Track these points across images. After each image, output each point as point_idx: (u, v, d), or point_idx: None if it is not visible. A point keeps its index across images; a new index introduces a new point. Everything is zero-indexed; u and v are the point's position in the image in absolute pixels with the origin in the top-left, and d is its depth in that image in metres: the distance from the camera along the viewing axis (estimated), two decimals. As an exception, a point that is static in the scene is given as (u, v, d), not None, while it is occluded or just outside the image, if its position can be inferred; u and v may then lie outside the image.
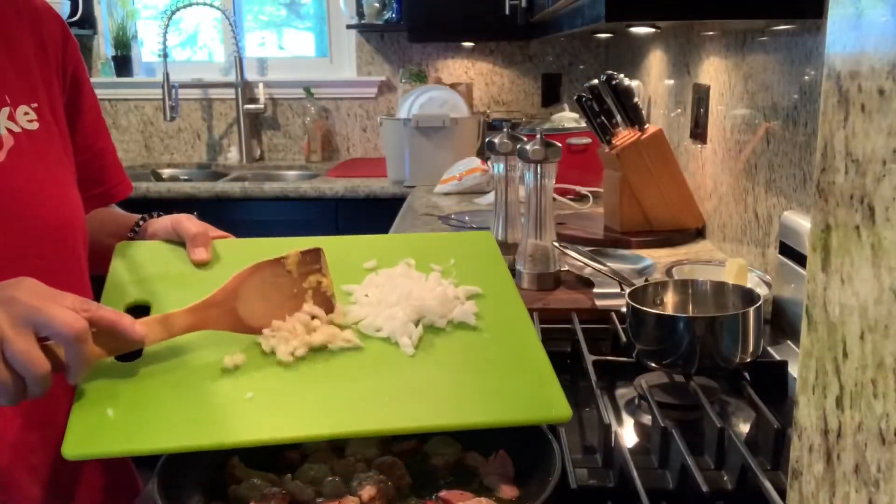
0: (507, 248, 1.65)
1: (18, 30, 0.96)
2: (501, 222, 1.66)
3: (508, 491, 0.78)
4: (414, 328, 0.84)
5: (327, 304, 0.86)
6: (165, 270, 0.95)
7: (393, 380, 0.79)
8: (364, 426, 0.74)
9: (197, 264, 0.95)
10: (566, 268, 1.56)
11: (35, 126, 0.93)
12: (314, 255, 0.87)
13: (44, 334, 0.69)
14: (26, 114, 0.93)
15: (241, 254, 0.96)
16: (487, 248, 1.02)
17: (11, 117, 0.91)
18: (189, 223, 0.98)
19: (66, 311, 0.69)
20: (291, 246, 0.91)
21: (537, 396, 0.77)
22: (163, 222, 1.02)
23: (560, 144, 1.51)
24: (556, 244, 1.51)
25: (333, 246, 0.96)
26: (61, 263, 0.94)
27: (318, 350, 0.82)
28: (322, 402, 0.76)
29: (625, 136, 1.92)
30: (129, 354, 0.78)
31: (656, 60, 2.45)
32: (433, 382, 0.79)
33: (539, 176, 1.49)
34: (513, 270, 1.57)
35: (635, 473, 0.81)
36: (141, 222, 1.05)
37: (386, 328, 0.84)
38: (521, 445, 0.83)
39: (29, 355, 0.67)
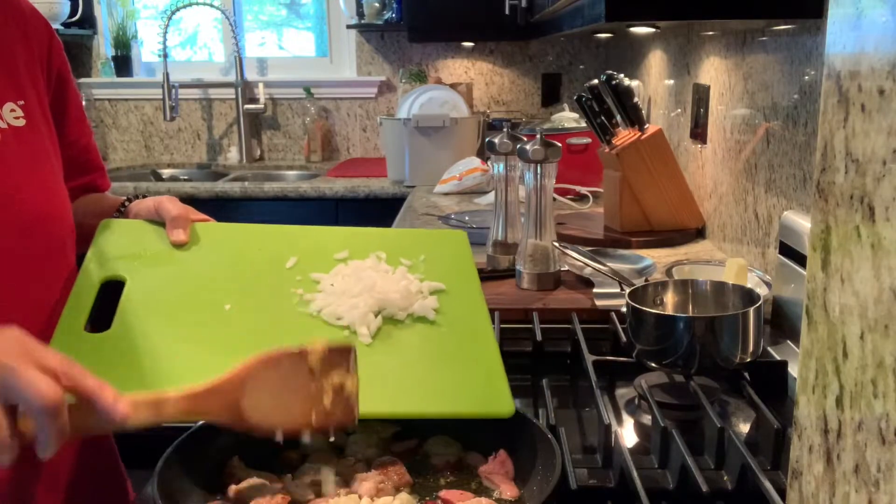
0: (507, 247, 1.65)
1: (5, 30, 0.97)
2: (501, 222, 1.66)
3: (508, 491, 0.78)
4: (373, 319, 0.87)
5: (347, 410, 0.75)
6: (143, 249, 0.97)
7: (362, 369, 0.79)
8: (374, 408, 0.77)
9: (175, 245, 0.97)
10: (566, 268, 1.56)
11: (22, 123, 0.95)
12: (343, 354, 0.75)
13: (13, 401, 0.63)
14: (13, 111, 0.94)
15: (221, 238, 1.00)
16: (459, 247, 1.05)
17: None
18: (170, 204, 1.00)
19: (42, 378, 0.63)
20: (273, 234, 0.95)
21: (483, 391, 0.80)
22: (146, 203, 1.03)
23: (560, 144, 1.51)
24: (556, 244, 1.51)
25: (311, 235, 1.00)
26: (48, 256, 0.96)
27: (291, 326, 0.85)
28: None
29: (625, 136, 1.92)
30: (99, 324, 0.76)
31: (656, 60, 2.45)
32: (384, 371, 0.82)
33: (539, 176, 1.49)
34: (513, 270, 1.57)
35: (635, 473, 0.81)
36: (126, 203, 1.07)
37: (346, 317, 0.87)
38: (521, 445, 0.83)
39: None
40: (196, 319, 0.86)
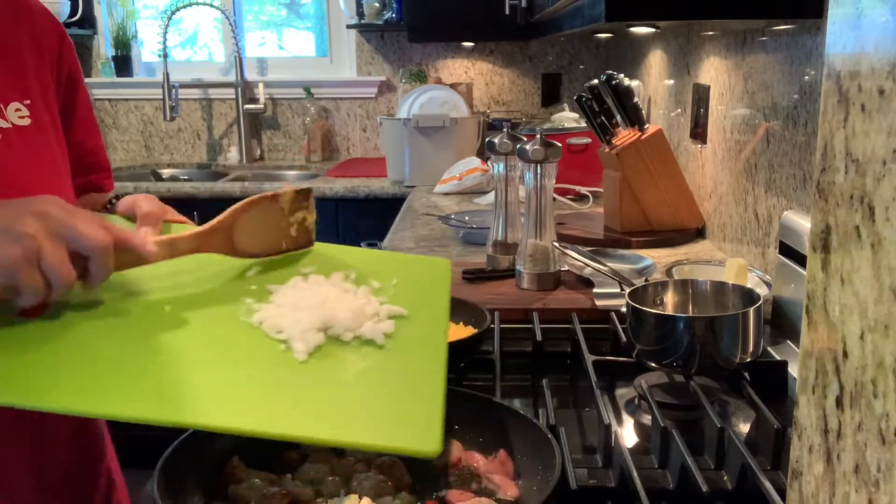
0: (507, 247, 1.65)
1: (14, 28, 0.97)
2: (501, 222, 1.66)
3: (508, 491, 0.78)
4: (314, 335, 0.82)
5: (307, 236, 0.96)
6: None
7: (272, 381, 0.76)
8: (217, 420, 0.70)
9: None
10: (566, 268, 1.56)
11: (26, 122, 0.95)
12: (305, 195, 0.96)
13: (74, 247, 0.74)
14: (17, 110, 0.94)
15: None
16: (439, 275, 1.00)
17: (1, 114, 0.93)
18: (144, 202, 0.99)
19: (94, 226, 0.75)
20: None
21: (413, 426, 0.73)
22: (126, 200, 1.03)
23: (560, 144, 1.51)
24: (556, 244, 1.51)
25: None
26: None
27: (224, 333, 0.82)
28: (190, 387, 0.73)
29: (625, 136, 1.92)
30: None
31: (656, 60, 2.45)
32: (314, 392, 0.76)
33: (539, 176, 1.49)
34: (513, 270, 1.57)
35: (635, 473, 0.81)
36: (114, 200, 1.07)
37: (287, 331, 0.82)
38: (522, 445, 0.83)
39: (62, 264, 0.72)
40: (131, 313, 0.84)
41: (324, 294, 0.88)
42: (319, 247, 1.02)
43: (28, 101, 0.96)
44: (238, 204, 0.90)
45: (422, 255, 1.05)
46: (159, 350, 0.77)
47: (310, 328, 0.82)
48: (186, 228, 0.99)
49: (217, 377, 0.75)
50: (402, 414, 0.74)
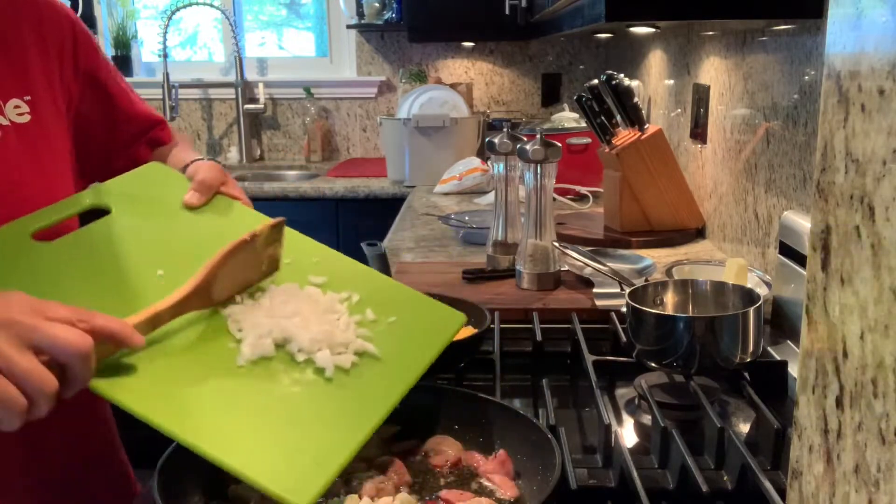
0: (507, 247, 1.65)
1: (14, 22, 0.97)
2: (501, 222, 1.67)
3: (508, 491, 0.78)
4: (265, 345, 0.79)
5: (275, 265, 0.90)
6: (149, 195, 0.98)
7: (198, 374, 0.76)
8: (123, 398, 0.70)
9: (185, 205, 0.97)
10: (566, 268, 1.56)
11: (26, 119, 0.94)
12: (279, 228, 0.90)
13: (48, 353, 0.66)
14: (17, 107, 0.94)
15: (226, 216, 0.98)
16: (443, 328, 0.93)
17: (0, 111, 0.92)
18: (203, 170, 0.99)
19: (68, 328, 0.67)
20: (287, 238, 0.93)
21: (291, 474, 0.68)
22: (192, 166, 1.03)
23: (560, 144, 1.51)
24: (557, 244, 1.51)
25: (321, 255, 0.97)
26: None
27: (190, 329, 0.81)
28: (126, 378, 0.73)
29: (625, 136, 1.92)
30: None
31: (656, 60, 2.45)
32: (224, 400, 0.74)
33: (539, 176, 1.49)
34: (513, 270, 1.57)
35: (635, 473, 0.81)
36: (190, 164, 1.06)
37: (245, 331, 0.80)
38: (522, 445, 0.83)
39: (38, 374, 0.65)
40: (126, 271, 0.86)
41: (302, 308, 0.84)
42: (347, 263, 0.98)
43: (28, 98, 0.95)
44: (215, 257, 0.83)
45: (442, 304, 0.97)
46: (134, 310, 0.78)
47: (265, 336, 0.79)
48: (234, 205, 1.00)
49: (151, 355, 0.75)
50: (290, 457, 0.70)
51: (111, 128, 1.12)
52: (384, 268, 1.42)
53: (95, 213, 0.94)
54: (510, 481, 0.80)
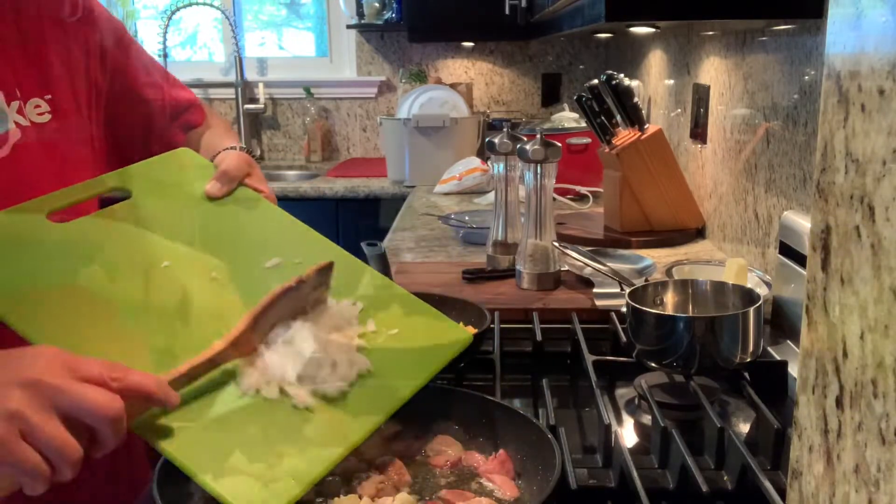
0: (507, 247, 1.65)
1: (35, 18, 0.95)
2: (501, 222, 1.67)
3: (508, 491, 0.78)
4: (292, 384, 0.77)
5: (321, 305, 0.85)
6: (171, 179, 0.97)
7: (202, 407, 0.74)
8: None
9: (206, 194, 0.96)
10: (566, 268, 1.56)
11: (46, 118, 0.93)
12: (326, 273, 0.85)
13: (74, 416, 0.63)
14: (37, 107, 0.93)
15: (250, 209, 0.97)
16: (447, 344, 0.91)
17: (20, 111, 0.91)
18: (228, 159, 0.98)
19: (97, 390, 0.64)
20: (312, 240, 0.93)
21: (268, 492, 0.68)
22: (220, 155, 1.02)
23: (560, 144, 1.51)
24: (557, 244, 1.51)
25: (348, 266, 0.94)
26: None
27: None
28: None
29: (625, 136, 1.92)
30: None
31: (656, 60, 2.45)
32: (210, 423, 0.73)
33: (539, 176, 1.49)
34: (513, 270, 1.57)
35: (635, 473, 0.81)
36: (221, 152, 1.05)
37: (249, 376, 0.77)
38: (522, 445, 0.83)
39: (62, 441, 0.62)
40: (136, 257, 0.85)
41: (325, 338, 0.81)
42: (353, 263, 0.97)
43: (49, 97, 0.94)
44: (258, 305, 0.79)
45: (449, 319, 0.95)
46: (135, 311, 0.79)
47: (290, 369, 0.78)
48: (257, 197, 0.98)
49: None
50: (264, 479, 0.69)
51: (146, 115, 1.11)
52: (384, 268, 1.41)
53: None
54: (510, 481, 0.80)
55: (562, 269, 1.55)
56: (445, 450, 0.85)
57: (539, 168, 1.49)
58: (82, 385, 0.63)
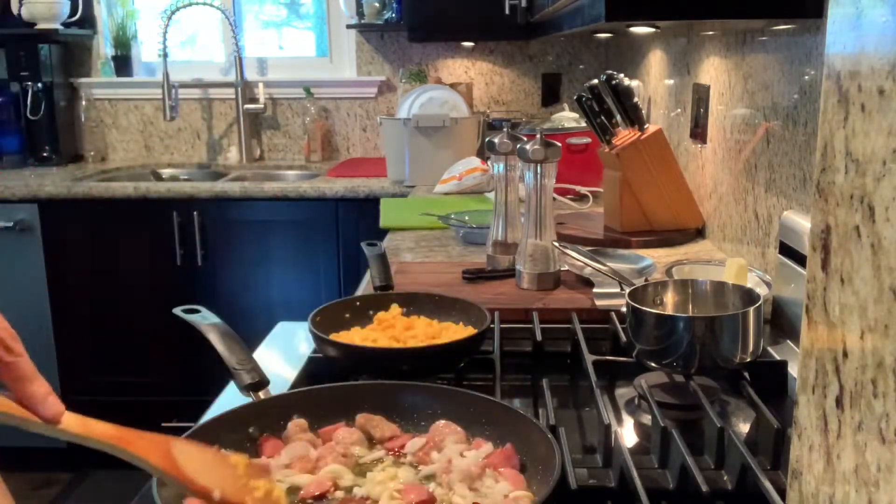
0: (507, 247, 1.65)
1: None
2: (501, 222, 1.66)
3: (514, 481, 0.78)
4: None
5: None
6: None
7: None
8: None
9: None
10: (566, 268, 1.56)
11: None
12: (263, 470, 0.76)
13: None
14: None
15: None
16: None
17: None
18: None
19: None
20: None
21: None
22: None
23: (560, 144, 1.51)
24: (557, 244, 1.51)
25: None
26: None
27: None
28: None
29: (625, 135, 1.92)
30: None
31: (656, 60, 2.45)
32: None
33: (539, 176, 1.49)
34: (513, 270, 1.57)
35: (635, 473, 0.81)
36: None
37: None
38: (521, 445, 0.83)
39: None
40: None
41: None
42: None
43: None
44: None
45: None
46: None
47: None
48: None
49: None
50: None
51: None
52: (384, 268, 1.42)
53: None
54: (518, 474, 0.80)
55: (562, 269, 1.55)
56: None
57: (539, 168, 1.49)
58: None
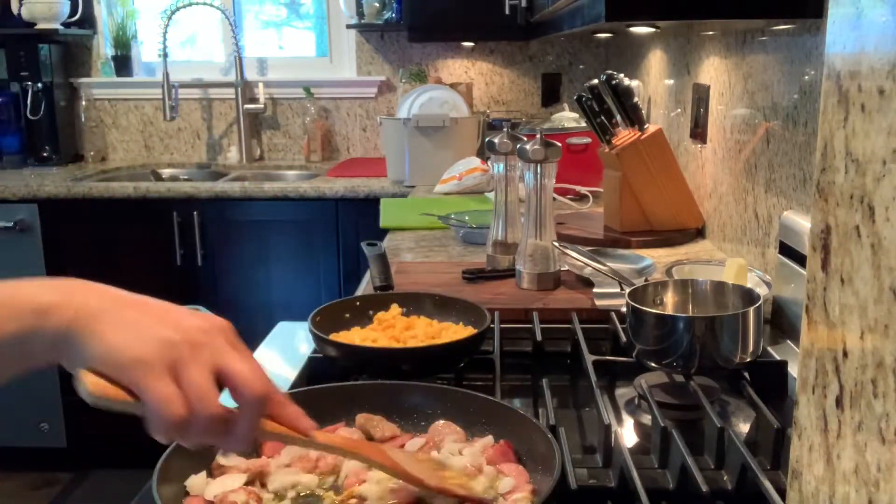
0: (507, 247, 1.65)
1: None
2: (501, 222, 1.67)
3: (517, 473, 0.78)
4: None
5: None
6: None
7: None
8: None
9: None
10: (566, 268, 1.56)
11: None
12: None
13: (222, 380, 0.61)
14: None
15: None
16: None
17: None
18: None
19: (258, 369, 0.63)
20: None
21: None
22: None
23: (560, 144, 1.51)
24: (557, 244, 1.51)
25: None
26: None
27: None
28: None
29: (625, 135, 1.92)
30: None
31: (656, 60, 2.45)
32: None
33: (539, 176, 1.49)
34: (513, 270, 1.57)
35: (635, 473, 0.81)
36: None
37: None
38: (521, 445, 0.83)
39: (206, 388, 0.59)
40: None
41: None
42: None
43: None
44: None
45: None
46: None
47: None
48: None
49: None
50: None
51: None
52: (384, 268, 1.41)
53: None
54: (517, 465, 0.80)
55: (562, 268, 1.55)
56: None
57: (539, 168, 1.49)
58: (247, 357, 0.63)
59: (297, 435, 0.68)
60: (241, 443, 0.64)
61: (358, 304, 1.26)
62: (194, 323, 0.62)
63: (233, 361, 0.61)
